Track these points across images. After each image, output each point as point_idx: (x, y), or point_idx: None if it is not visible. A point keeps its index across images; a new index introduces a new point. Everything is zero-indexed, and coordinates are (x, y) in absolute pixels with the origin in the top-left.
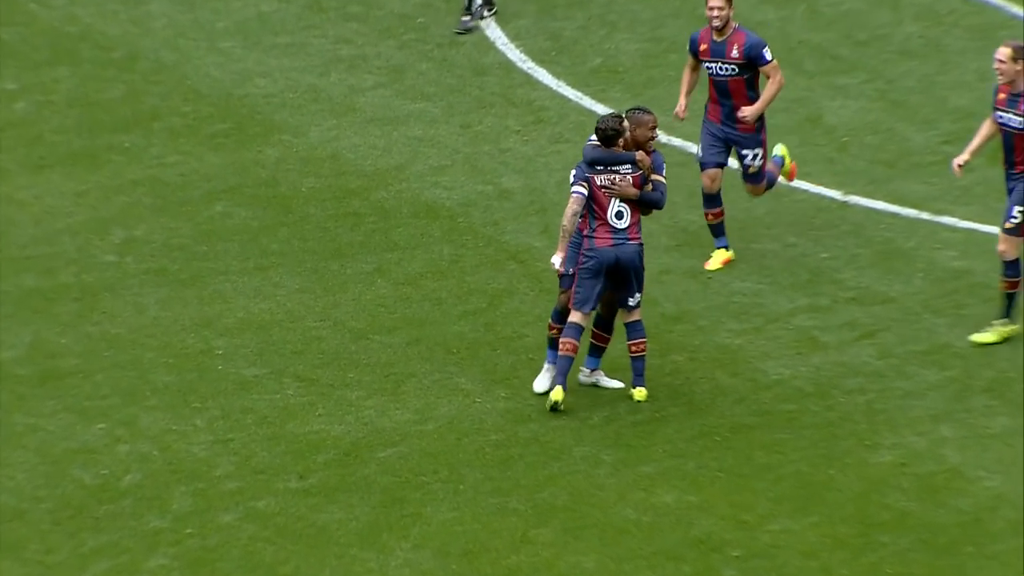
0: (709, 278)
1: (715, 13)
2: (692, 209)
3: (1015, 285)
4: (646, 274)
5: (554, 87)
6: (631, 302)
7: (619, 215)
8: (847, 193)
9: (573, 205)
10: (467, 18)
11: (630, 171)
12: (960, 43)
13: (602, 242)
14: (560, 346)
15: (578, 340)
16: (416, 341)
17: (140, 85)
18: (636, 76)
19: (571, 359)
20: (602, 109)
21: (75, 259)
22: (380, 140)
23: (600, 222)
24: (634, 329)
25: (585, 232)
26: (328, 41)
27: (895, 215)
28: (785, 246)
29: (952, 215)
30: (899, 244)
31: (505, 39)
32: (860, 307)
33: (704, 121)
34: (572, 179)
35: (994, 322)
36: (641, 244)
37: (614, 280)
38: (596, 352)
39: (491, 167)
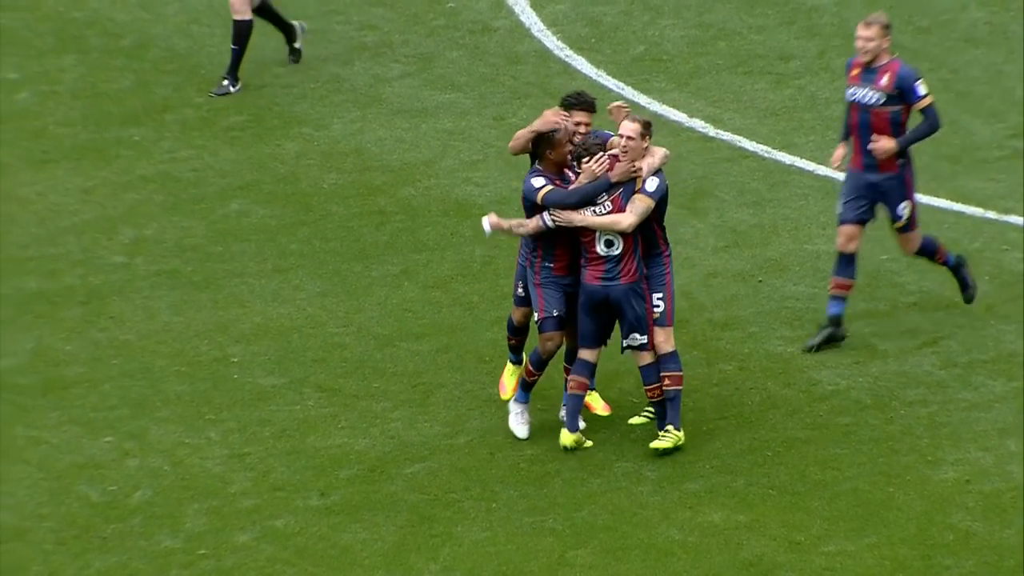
0: (760, 281)
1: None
2: (741, 208)
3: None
4: (696, 276)
5: (593, 77)
6: (626, 343)
7: (609, 243)
8: None
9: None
10: (225, 82)
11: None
12: None
13: (591, 277)
14: (568, 384)
15: (586, 377)
16: (446, 348)
17: (151, 75)
18: (682, 65)
19: (580, 397)
20: (645, 100)
21: (81, 260)
22: (407, 133)
23: (590, 254)
24: (647, 373)
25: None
26: (352, 27)
27: (959, 214)
28: None
29: (1020, 214)
30: (964, 245)
31: (541, 25)
32: (922, 313)
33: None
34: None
35: None
36: (639, 280)
37: (608, 318)
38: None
39: (526, 162)
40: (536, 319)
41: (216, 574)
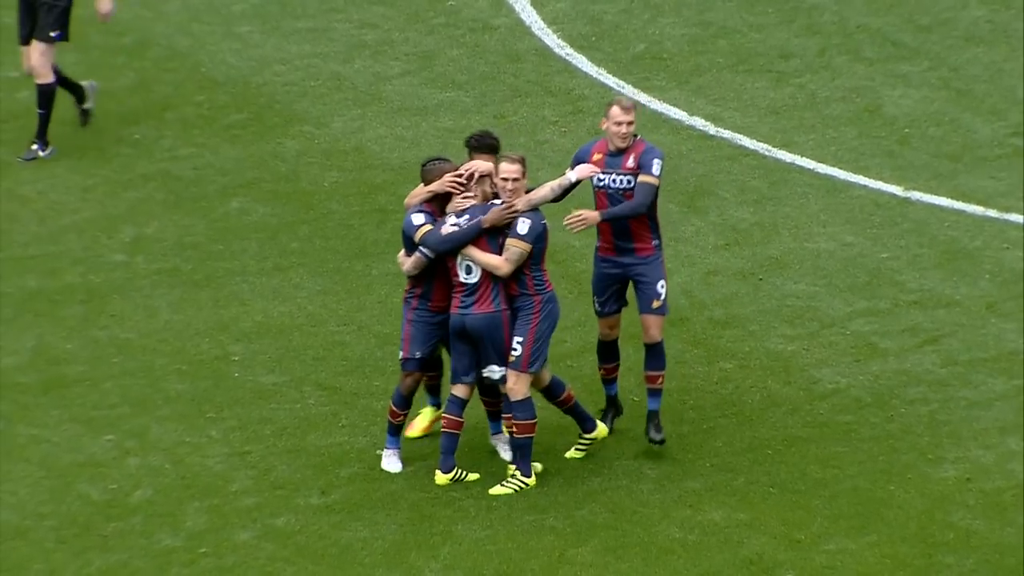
0: (760, 279)
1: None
2: (741, 206)
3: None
4: (696, 274)
5: (594, 75)
6: (485, 373)
7: (468, 269)
8: (908, 189)
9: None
10: (34, 146)
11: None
12: None
13: (452, 306)
14: (442, 422)
15: (457, 415)
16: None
17: (152, 73)
18: (682, 63)
19: (453, 436)
20: (645, 98)
21: (81, 259)
22: (408, 131)
23: (454, 281)
24: (516, 408)
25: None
26: (352, 25)
27: (960, 212)
28: (842, 245)
29: (1021, 212)
30: (964, 244)
31: (542, 24)
32: (922, 311)
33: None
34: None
35: None
36: (497, 312)
37: (472, 349)
38: (493, 417)
39: (527, 160)
40: (400, 355)
41: (217, 572)
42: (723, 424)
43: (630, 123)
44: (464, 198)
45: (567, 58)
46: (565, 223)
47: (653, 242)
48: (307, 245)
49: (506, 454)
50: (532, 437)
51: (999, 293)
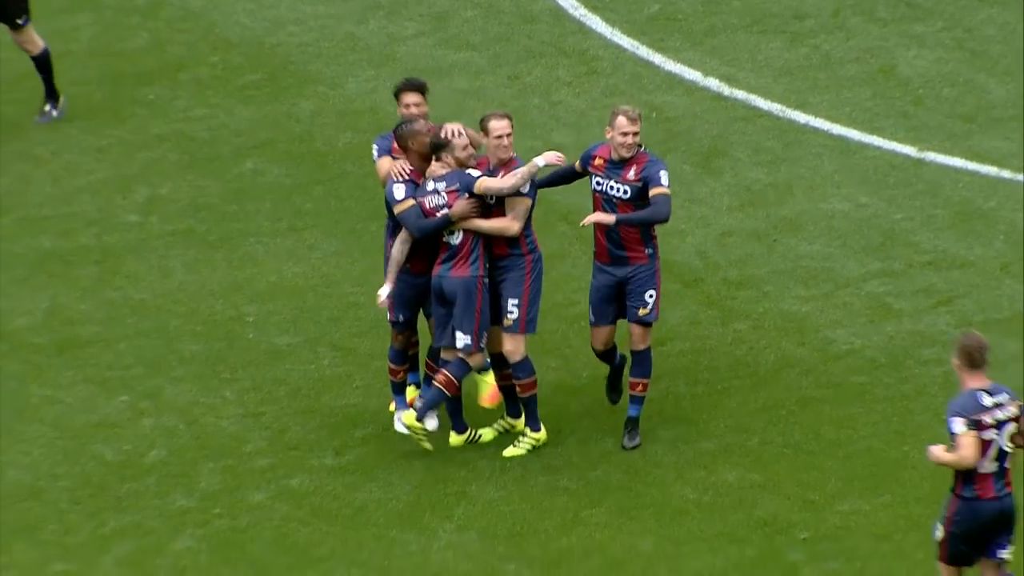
0: (774, 240)
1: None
2: (756, 167)
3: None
4: (711, 235)
5: (608, 36)
6: (447, 340)
7: (451, 231)
8: (922, 150)
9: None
10: (47, 107)
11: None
12: None
13: (435, 269)
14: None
15: (452, 375)
16: None
17: (165, 33)
18: (696, 24)
19: (439, 392)
20: (659, 60)
21: (96, 219)
22: None
23: (440, 243)
24: (451, 367)
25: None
26: None
27: (974, 173)
28: (856, 206)
29: None
30: (978, 204)
31: None
32: (936, 272)
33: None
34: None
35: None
36: (473, 278)
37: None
38: (396, 388)
39: (541, 121)
40: (388, 317)
41: (231, 533)
42: (737, 385)
43: (635, 134)
44: (441, 165)
45: (581, 19)
46: (582, 225)
47: (646, 251)
48: (321, 206)
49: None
50: (536, 393)
51: (1013, 254)
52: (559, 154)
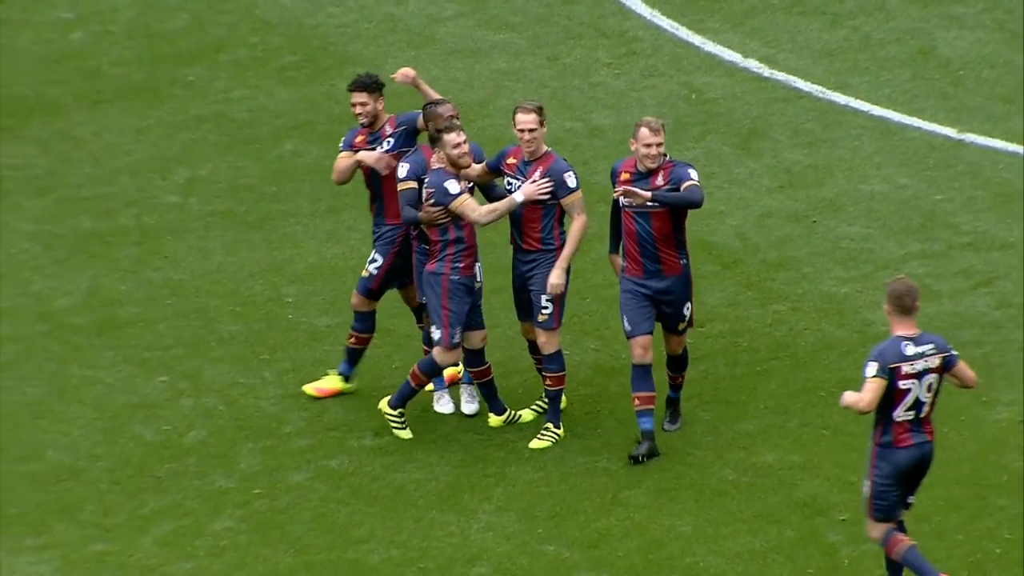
0: (814, 221)
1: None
2: (795, 148)
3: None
4: (750, 216)
5: (647, 16)
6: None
7: (444, 230)
8: (962, 131)
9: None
10: None
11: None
12: None
13: None
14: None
15: (478, 365)
16: (500, 289)
17: (205, 14)
18: (736, 4)
19: (486, 383)
20: (699, 40)
21: (135, 200)
22: (461, 73)
23: None
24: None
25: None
26: None
27: (1014, 155)
28: (896, 188)
29: None
30: (1018, 185)
31: None
32: (976, 253)
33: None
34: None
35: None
36: (438, 275)
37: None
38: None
39: (580, 102)
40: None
41: (270, 513)
42: (776, 366)
43: (659, 144)
44: (438, 158)
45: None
46: (616, 193)
47: (681, 261)
48: (360, 187)
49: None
50: (562, 389)
51: None
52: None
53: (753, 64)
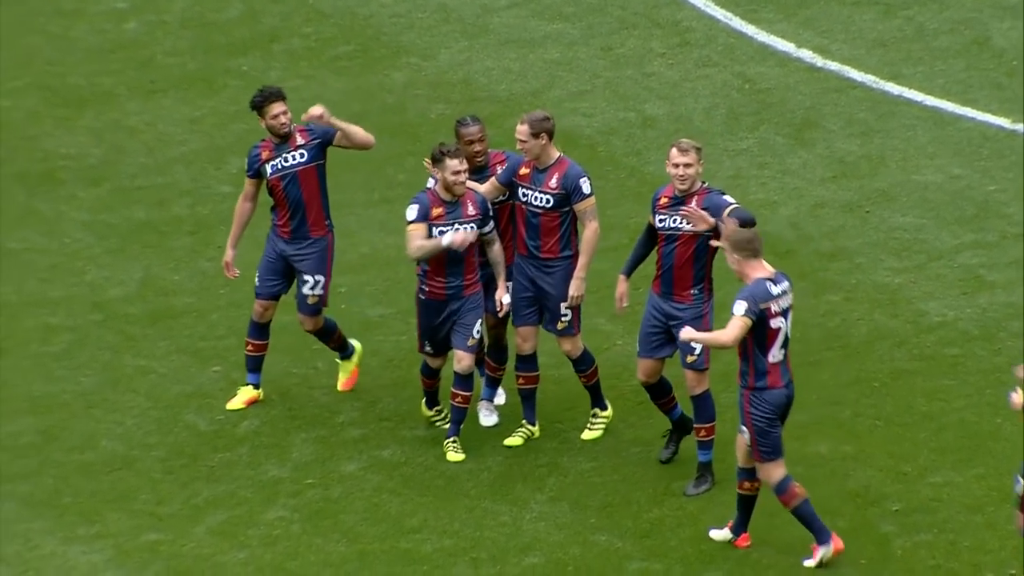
0: (867, 212)
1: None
2: (849, 138)
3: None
4: (803, 207)
5: (701, 7)
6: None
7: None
8: (1016, 121)
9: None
10: None
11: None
12: None
13: None
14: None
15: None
16: None
17: (259, 4)
18: None
19: (455, 409)
20: (752, 31)
21: (189, 190)
22: (515, 63)
23: None
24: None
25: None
26: None
27: None
28: (949, 178)
29: None
30: None
31: None
32: None
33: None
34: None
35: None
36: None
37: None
38: (491, 383)
39: (634, 92)
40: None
41: (323, 503)
42: (829, 357)
43: (687, 165)
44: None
45: None
46: (682, 213)
47: (692, 291)
48: (413, 177)
49: (489, 419)
50: (599, 378)
51: None
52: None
53: (806, 54)
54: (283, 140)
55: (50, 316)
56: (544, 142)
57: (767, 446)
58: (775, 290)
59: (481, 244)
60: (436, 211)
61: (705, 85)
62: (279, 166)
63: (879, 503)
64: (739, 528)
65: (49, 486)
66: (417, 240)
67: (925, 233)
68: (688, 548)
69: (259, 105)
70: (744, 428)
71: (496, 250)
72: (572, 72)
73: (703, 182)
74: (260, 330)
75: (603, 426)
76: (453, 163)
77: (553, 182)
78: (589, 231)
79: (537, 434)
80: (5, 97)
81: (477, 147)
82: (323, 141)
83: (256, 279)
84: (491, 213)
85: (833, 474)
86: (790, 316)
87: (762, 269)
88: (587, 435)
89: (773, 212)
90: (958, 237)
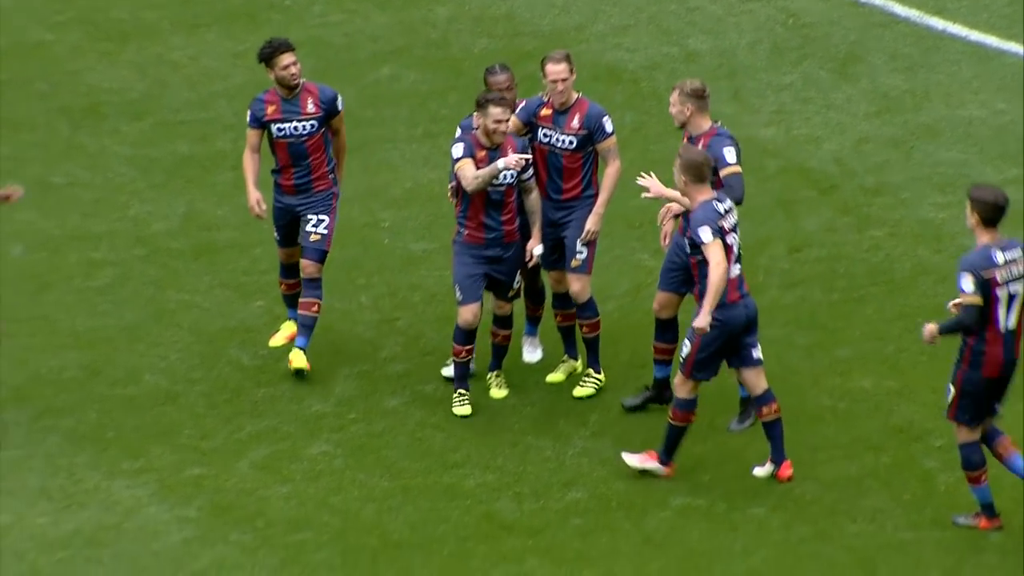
0: (911, 147)
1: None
2: (893, 73)
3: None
4: (847, 142)
5: None
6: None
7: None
8: None
9: None
10: None
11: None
12: None
13: None
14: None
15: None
16: None
17: None
18: None
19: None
20: None
21: (232, 125)
22: None
23: None
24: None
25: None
26: None
27: None
28: (993, 113)
29: None
30: None
31: None
32: None
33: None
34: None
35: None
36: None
37: None
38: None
39: (677, 27)
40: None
41: (366, 438)
42: (873, 292)
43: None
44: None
45: None
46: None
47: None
48: (456, 112)
49: (532, 355)
50: (599, 334)
51: None
52: (516, 157)
53: None
54: (291, 92)
55: (93, 251)
56: (575, 76)
57: (699, 363)
58: (721, 208)
59: (519, 192)
60: (479, 154)
61: (749, 20)
62: (289, 132)
63: (923, 439)
64: (777, 457)
65: (93, 420)
66: (471, 171)
67: (969, 168)
68: (732, 483)
69: (268, 57)
70: (687, 342)
71: (533, 198)
72: (615, 6)
73: (716, 121)
74: (289, 270)
75: (595, 385)
76: (496, 111)
77: (575, 122)
78: (611, 169)
79: (580, 369)
80: (49, 31)
81: (506, 95)
82: (330, 111)
83: (274, 231)
84: (531, 160)
85: (877, 409)
86: (738, 230)
87: (708, 193)
88: (579, 392)
89: (817, 147)
90: (1002, 172)
